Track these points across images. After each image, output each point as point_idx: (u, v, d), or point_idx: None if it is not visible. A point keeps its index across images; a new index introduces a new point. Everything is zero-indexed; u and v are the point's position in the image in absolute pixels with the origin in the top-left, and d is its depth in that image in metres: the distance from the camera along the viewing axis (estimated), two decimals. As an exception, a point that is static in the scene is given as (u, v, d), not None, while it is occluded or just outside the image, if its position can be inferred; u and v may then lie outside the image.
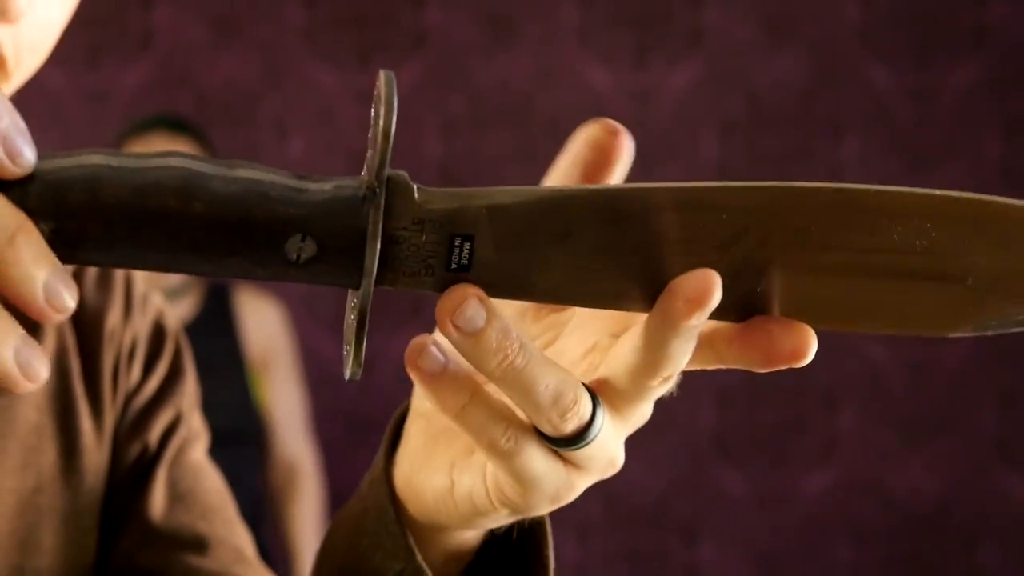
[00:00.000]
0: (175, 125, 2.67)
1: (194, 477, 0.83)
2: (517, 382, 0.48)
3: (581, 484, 0.53)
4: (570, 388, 0.49)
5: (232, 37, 3.64)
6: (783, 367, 0.49)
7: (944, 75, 3.57)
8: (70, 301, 0.43)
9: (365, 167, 0.47)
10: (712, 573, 3.60)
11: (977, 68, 3.57)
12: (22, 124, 0.44)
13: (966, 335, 0.51)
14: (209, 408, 2.60)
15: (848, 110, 3.59)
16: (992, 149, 3.57)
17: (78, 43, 3.64)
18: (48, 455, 0.75)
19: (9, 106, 0.44)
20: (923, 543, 3.57)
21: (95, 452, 0.78)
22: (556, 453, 0.51)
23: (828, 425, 3.58)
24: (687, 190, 0.49)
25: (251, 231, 0.45)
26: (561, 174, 0.53)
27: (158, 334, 0.84)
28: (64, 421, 0.76)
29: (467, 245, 0.48)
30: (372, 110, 0.47)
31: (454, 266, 0.48)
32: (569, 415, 0.49)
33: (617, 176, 0.55)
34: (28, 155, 0.44)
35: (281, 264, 0.46)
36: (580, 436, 0.50)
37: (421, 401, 0.59)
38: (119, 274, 0.82)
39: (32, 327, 0.74)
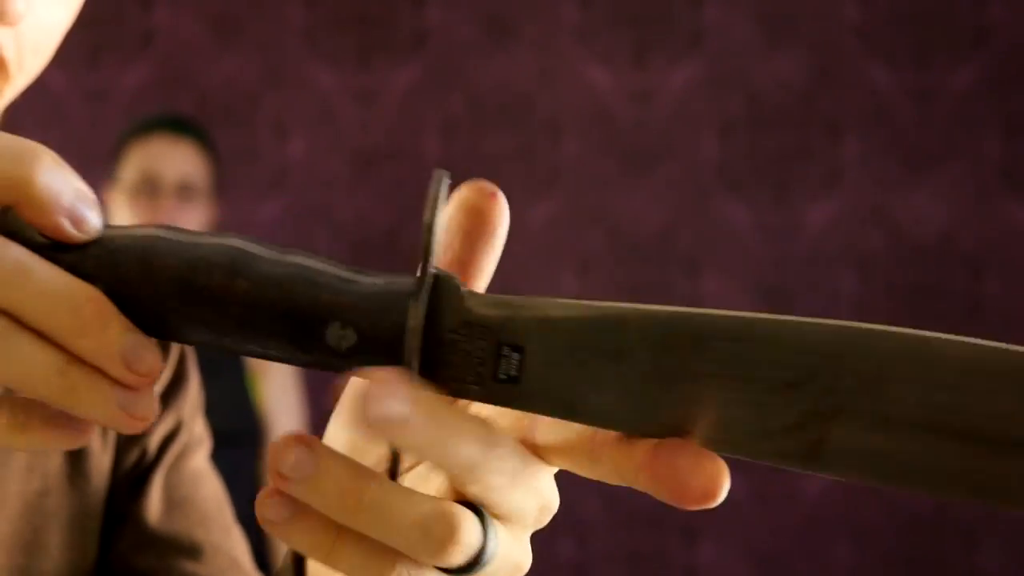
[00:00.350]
0: (178, 126, 2.67)
1: (192, 484, 0.83)
2: (374, 523, 0.44)
3: None
4: (442, 517, 0.44)
5: (232, 37, 3.64)
6: (693, 507, 0.45)
7: (944, 75, 3.57)
8: (154, 363, 0.43)
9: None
10: (712, 573, 3.60)
11: (977, 68, 3.57)
12: (88, 191, 0.44)
13: None
14: (209, 409, 2.61)
15: (848, 110, 3.59)
16: (992, 149, 3.57)
17: (78, 43, 3.64)
18: (54, 459, 0.76)
19: (73, 174, 0.44)
20: (923, 543, 3.56)
21: (100, 456, 0.79)
22: None
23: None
24: (747, 321, 0.46)
25: (292, 314, 0.45)
26: (444, 245, 0.50)
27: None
28: None
29: (516, 356, 0.46)
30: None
31: (502, 377, 0.46)
32: (450, 547, 0.44)
33: (497, 241, 0.50)
34: (94, 221, 0.44)
35: (323, 352, 0.46)
36: (475, 563, 0.46)
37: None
38: None
39: None
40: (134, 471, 0.81)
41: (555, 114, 3.62)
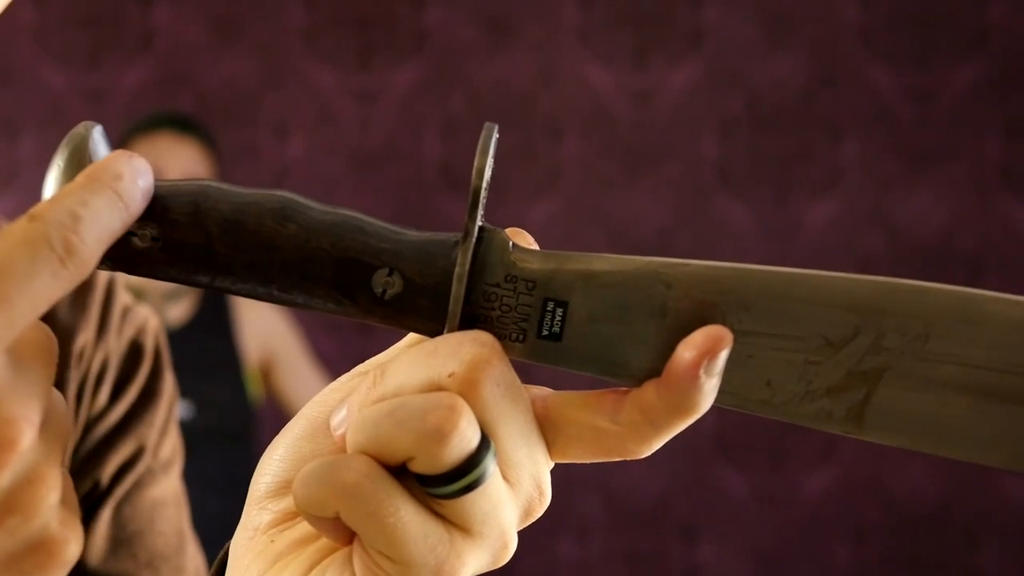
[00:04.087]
0: (182, 125, 2.67)
1: (148, 518, 0.77)
2: (382, 408, 0.44)
3: (470, 556, 0.45)
4: (444, 400, 0.43)
5: (232, 37, 3.64)
6: (700, 379, 0.44)
7: (944, 75, 3.57)
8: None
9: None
10: (712, 573, 3.60)
11: (977, 68, 3.57)
12: (140, 166, 0.44)
13: None
14: (207, 409, 2.61)
15: (848, 110, 3.59)
16: (992, 149, 3.57)
17: (78, 43, 3.64)
18: None
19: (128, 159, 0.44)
20: (923, 543, 3.57)
21: None
22: (433, 511, 0.45)
23: (828, 425, 3.57)
24: (791, 276, 0.46)
25: (340, 259, 0.46)
26: None
27: (134, 354, 0.78)
28: None
29: (560, 311, 0.46)
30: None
31: (545, 333, 0.46)
32: (448, 433, 0.43)
33: None
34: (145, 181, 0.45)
35: (368, 299, 0.46)
36: (464, 470, 0.44)
37: (260, 516, 0.50)
38: (98, 290, 0.77)
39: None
40: (83, 503, 0.75)
41: (555, 114, 3.62)
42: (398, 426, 0.43)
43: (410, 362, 0.45)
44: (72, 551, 0.40)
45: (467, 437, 0.43)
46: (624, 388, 0.46)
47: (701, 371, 0.44)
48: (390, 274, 0.46)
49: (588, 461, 0.47)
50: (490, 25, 3.63)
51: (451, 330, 0.45)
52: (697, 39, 3.61)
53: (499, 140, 3.63)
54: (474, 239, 0.46)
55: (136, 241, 0.45)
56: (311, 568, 0.47)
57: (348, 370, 0.50)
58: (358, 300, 0.46)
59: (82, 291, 0.76)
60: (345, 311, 0.46)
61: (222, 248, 0.45)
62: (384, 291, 0.46)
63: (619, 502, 3.60)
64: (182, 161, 2.59)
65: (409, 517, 0.44)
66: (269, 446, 0.50)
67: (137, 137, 2.66)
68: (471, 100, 3.63)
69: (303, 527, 0.49)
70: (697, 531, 3.60)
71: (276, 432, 0.51)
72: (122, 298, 0.79)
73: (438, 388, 0.44)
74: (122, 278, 0.80)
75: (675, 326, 0.45)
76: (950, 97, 3.57)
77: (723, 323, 0.45)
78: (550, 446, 0.47)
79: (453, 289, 0.45)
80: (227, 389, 2.66)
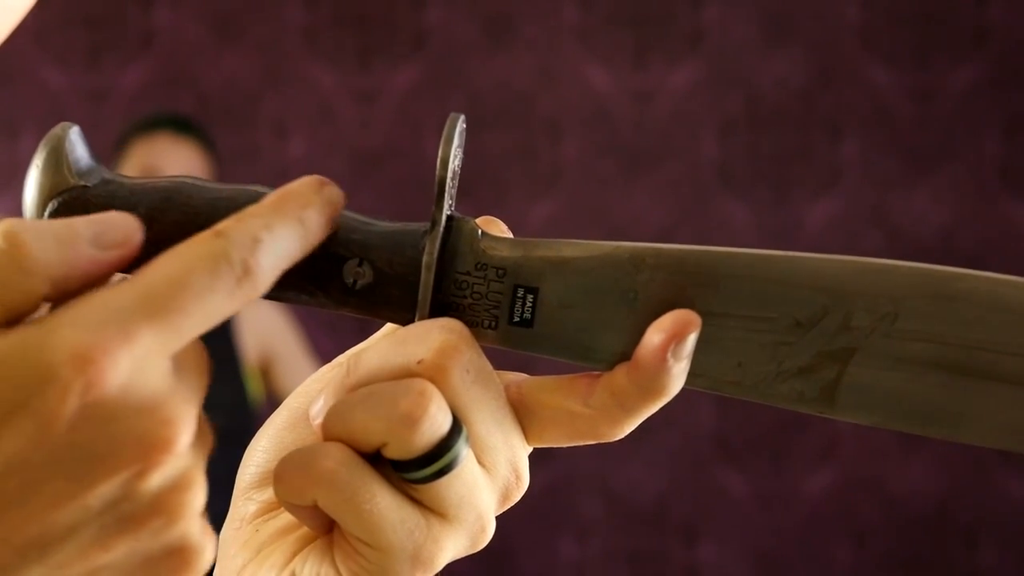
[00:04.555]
0: (181, 125, 2.67)
1: None
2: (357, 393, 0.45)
3: (447, 540, 0.46)
4: (414, 386, 0.44)
5: (232, 37, 3.65)
6: (668, 362, 0.45)
7: (944, 75, 3.57)
8: None
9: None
10: (712, 573, 3.60)
11: (977, 68, 3.57)
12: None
13: None
14: (207, 408, 2.61)
15: (848, 110, 3.59)
16: (992, 149, 3.57)
17: (78, 43, 3.64)
18: None
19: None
20: (923, 543, 3.57)
21: None
22: (409, 497, 0.46)
23: (829, 430, 3.58)
24: (759, 258, 0.46)
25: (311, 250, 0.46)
26: None
27: None
28: None
29: (530, 297, 0.46)
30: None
31: (516, 319, 0.47)
32: (418, 418, 0.44)
33: None
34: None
35: (339, 290, 0.46)
36: (436, 454, 0.45)
37: (246, 506, 0.51)
38: None
39: None
40: None
41: (555, 114, 3.62)
42: (370, 413, 0.44)
43: (381, 351, 0.46)
44: (206, 560, 0.41)
45: (438, 422, 0.44)
46: (597, 372, 0.47)
47: (669, 354, 0.45)
48: (360, 264, 0.46)
49: (564, 445, 0.48)
50: (490, 25, 3.63)
51: (422, 318, 0.46)
52: (697, 39, 3.61)
53: (498, 140, 3.63)
54: (442, 228, 0.46)
55: None
56: (292, 556, 0.48)
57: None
58: (330, 291, 0.47)
59: None
60: (318, 302, 0.47)
61: None
62: (355, 281, 0.46)
63: (619, 502, 3.60)
64: (181, 162, 2.59)
65: (386, 503, 0.45)
66: (254, 437, 0.51)
67: (136, 137, 2.66)
68: (471, 100, 3.63)
69: (287, 516, 0.49)
70: (697, 531, 3.60)
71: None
72: None
73: (408, 375, 0.45)
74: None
75: (645, 310, 0.46)
76: (950, 97, 3.57)
77: (692, 306, 0.46)
78: (525, 430, 0.48)
79: (423, 278, 0.46)
80: (227, 388, 2.66)
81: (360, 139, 3.63)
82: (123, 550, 0.39)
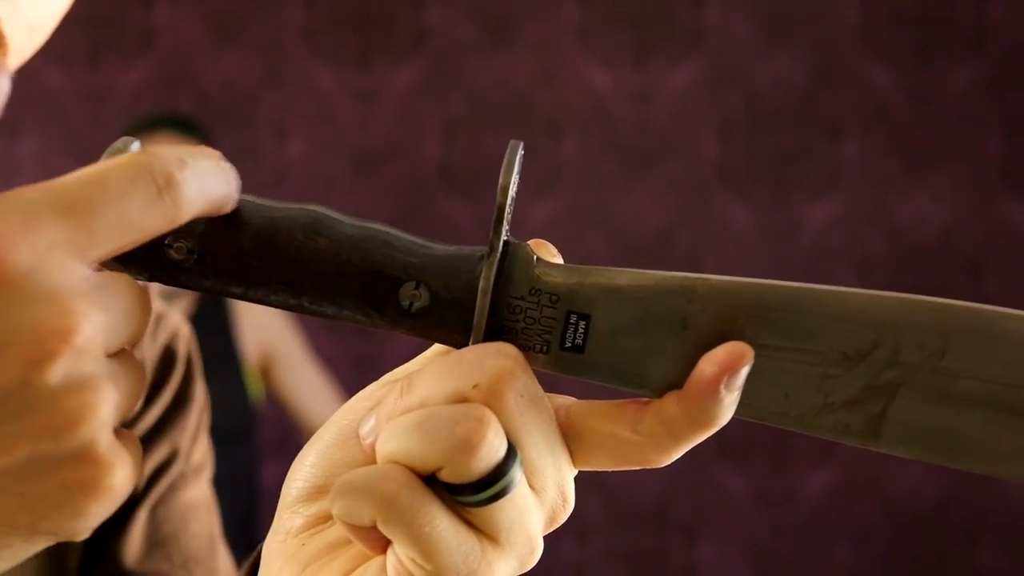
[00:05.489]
0: (182, 125, 2.67)
1: (181, 520, 0.78)
2: (412, 417, 0.45)
3: (499, 563, 0.46)
4: (472, 411, 0.44)
5: (232, 37, 3.65)
6: (720, 394, 0.45)
7: (944, 75, 3.57)
8: None
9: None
10: (712, 573, 3.60)
11: (977, 68, 3.57)
12: (227, 175, 0.45)
13: None
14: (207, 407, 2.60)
15: (848, 110, 3.59)
16: (992, 149, 3.57)
17: (78, 43, 3.64)
18: None
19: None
20: (923, 543, 3.57)
21: None
22: (464, 520, 0.46)
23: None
24: (807, 291, 0.47)
25: (369, 272, 0.47)
26: None
27: (167, 360, 0.80)
28: None
29: (583, 324, 0.47)
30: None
31: (568, 345, 0.47)
32: (476, 443, 0.44)
33: None
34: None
35: (395, 311, 0.47)
36: (492, 479, 0.45)
37: (292, 520, 0.50)
38: None
39: None
40: (120, 505, 0.76)
41: (555, 114, 3.62)
42: (428, 437, 0.44)
43: (436, 374, 0.46)
44: (119, 478, 0.40)
45: (495, 447, 0.44)
46: (645, 399, 0.47)
47: (722, 386, 0.45)
48: (417, 287, 0.47)
49: (609, 469, 0.48)
50: (490, 25, 3.63)
51: (476, 342, 0.46)
52: (697, 39, 3.61)
53: (498, 140, 3.63)
54: (499, 254, 0.47)
55: (172, 253, 0.47)
56: (346, 575, 0.48)
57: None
58: (386, 312, 0.47)
59: None
60: (373, 323, 0.48)
61: (255, 261, 0.47)
62: (411, 304, 0.47)
63: (619, 502, 3.60)
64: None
65: (444, 526, 0.45)
66: (300, 452, 0.51)
67: (136, 137, 2.65)
68: (471, 100, 3.63)
69: (334, 532, 0.49)
70: (697, 531, 3.60)
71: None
72: (155, 305, 0.79)
73: (463, 399, 0.45)
74: (153, 287, 0.80)
75: (696, 340, 0.47)
76: (950, 97, 3.57)
77: (743, 337, 0.46)
78: (573, 454, 0.48)
79: (478, 302, 0.46)
80: (227, 388, 2.66)
81: (360, 139, 3.63)
82: (23, 452, 0.38)
